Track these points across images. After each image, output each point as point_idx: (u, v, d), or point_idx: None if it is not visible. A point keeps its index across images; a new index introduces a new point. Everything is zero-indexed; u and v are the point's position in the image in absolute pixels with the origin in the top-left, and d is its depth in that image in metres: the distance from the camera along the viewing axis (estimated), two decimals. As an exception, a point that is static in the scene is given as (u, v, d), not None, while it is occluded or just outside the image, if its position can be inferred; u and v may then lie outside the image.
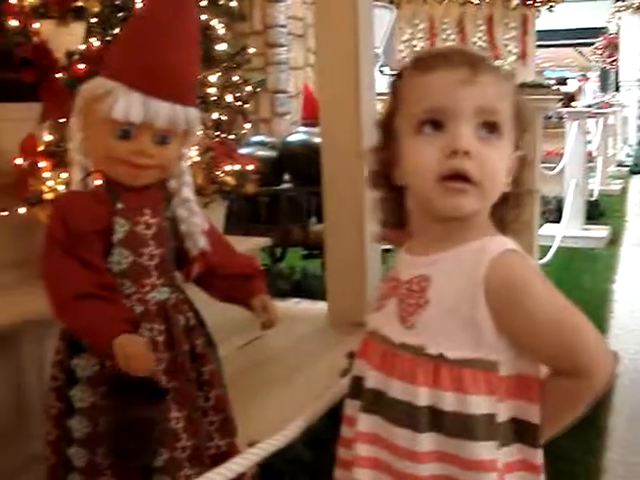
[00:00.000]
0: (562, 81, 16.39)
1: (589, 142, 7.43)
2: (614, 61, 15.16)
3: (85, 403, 1.54)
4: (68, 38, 2.45)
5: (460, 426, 1.01)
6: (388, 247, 4.37)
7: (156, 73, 1.46)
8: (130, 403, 1.39)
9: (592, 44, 15.94)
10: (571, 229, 5.58)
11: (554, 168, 5.73)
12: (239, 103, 3.07)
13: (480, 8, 10.43)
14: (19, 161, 2.22)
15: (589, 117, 6.89)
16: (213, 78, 2.84)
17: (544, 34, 12.41)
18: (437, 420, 1.02)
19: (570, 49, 18.83)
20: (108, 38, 2.49)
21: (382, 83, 4.69)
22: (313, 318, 3.40)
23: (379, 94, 3.43)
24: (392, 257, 4.49)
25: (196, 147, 2.34)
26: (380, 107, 3.44)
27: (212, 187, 2.69)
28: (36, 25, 2.39)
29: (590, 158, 7.45)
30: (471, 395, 1.01)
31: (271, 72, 6.91)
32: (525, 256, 1.05)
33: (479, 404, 1.01)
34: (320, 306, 3.49)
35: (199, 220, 1.62)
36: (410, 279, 1.09)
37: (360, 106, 3.14)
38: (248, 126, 3.31)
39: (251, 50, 3.31)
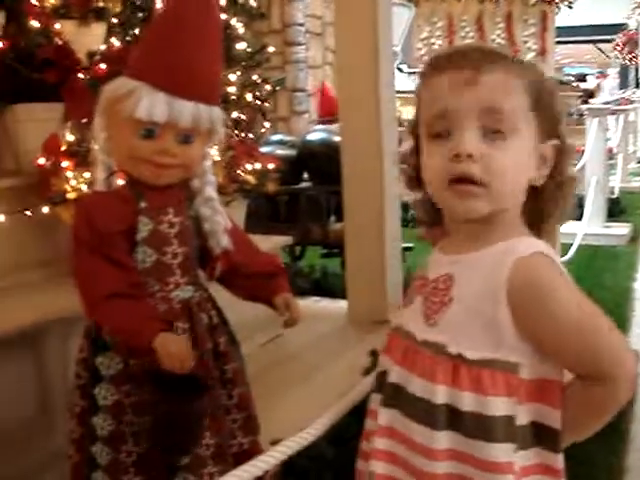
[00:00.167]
0: (581, 78, 16.30)
1: (609, 139, 7.37)
2: (634, 57, 15.03)
3: (109, 401, 1.55)
4: (89, 38, 2.47)
5: (477, 426, 1.00)
6: (408, 245, 4.38)
7: (180, 72, 1.47)
8: (175, 399, 1.41)
9: (612, 40, 15.80)
10: (592, 227, 5.53)
11: (575, 165, 5.68)
12: (259, 102, 3.08)
13: (499, 5, 10.36)
14: (42, 161, 2.25)
15: (610, 114, 6.82)
16: (233, 77, 2.85)
17: (563, 30, 12.32)
18: (454, 419, 1.02)
19: (589, 45, 18.69)
20: (129, 38, 2.51)
21: (401, 81, 4.68)
22: (333, 316, 3.40)
23: (398, 92, 3.43)
24: (410, 256, 4.49)
25: (217, 146, 2.35)
26: (399, 105, 3.44)
27: (233, 186, 2.70)
28: (57, 26, 2.41)
29: (611, 155, 7.39)
30: (489, 396, 1.00)
31: (289, 71, 6.92)
32: (552, 258, 1.02)
33: (497, 406, 1.00)
34: (340, 304, 3.50)
35: (222, 219, 1.62)
36: (436, 277, 1.10)
37: (380, 104, 3.14)
38: (267, 125, 3.32)
39: (270, 49, 3.32)
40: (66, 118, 2.34)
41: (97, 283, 1.47)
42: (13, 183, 2.33)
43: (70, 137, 2.26)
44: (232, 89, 2.83)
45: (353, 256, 3.36)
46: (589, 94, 13.59)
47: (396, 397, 1.09)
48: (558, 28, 11.00)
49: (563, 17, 11.16)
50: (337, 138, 3.69)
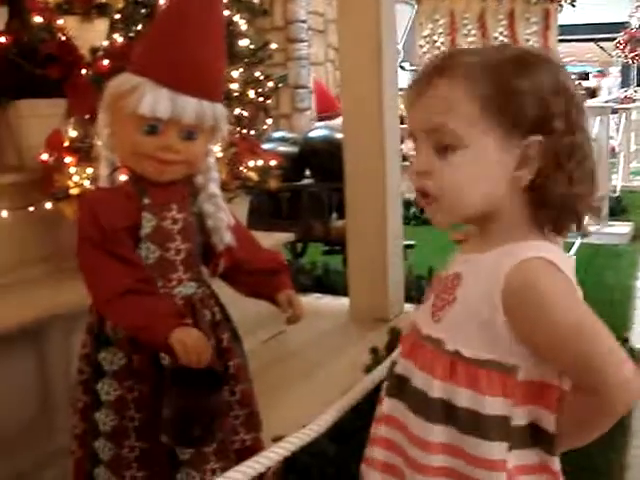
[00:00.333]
0: (584, 76, 16.29)
1: (612, 137, 7.37)
2: (636, 56, 15.02)
3: (111, 396, 1.55)
4: (92, 34, 2.46)
5: (472, 423, 1.01)
6: (409, 243, 4.38)
7: (183, 68, 1.47)
8: (193, 393, 1.42)
9: (614, 39, 15.79)
10: (594, 225, 5.54)
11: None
12: (261, 99, 3.07)
13: (501, 3, 10.37)
14: (45, 157, 2.25)
15: (612, 112, 6.82)
16: (235, 74, 2.84)
17: (565, 29, 12.32)
18: (450, 414, 1.03)
19: (592, 44, 18.68)
20: (131, 34, 2.51)
21: (403, 79, 4.68)
22: (335, 313, 3.41)
23: (400, 90, 3.42)
24: (412, 253, 4.49)
25: (220, 143, 2.35)
26: (401, 103, 3.44)
27: (235, 182, 2.70)
28: (60, 21, 2.41)
29: (612, 154, 7.38)
30: (485, 395, 1.01)
31: (292, 67, 6.91)
32: (555, 264, 0.99)
33: (492, 405, 1.00)
34: (342, 302, 3.51)
35: (225, 215, 1.63)
36: (448, 275, 1.10)
37: (383, 102, 3.14)
38: (269, 122, 3.32)
39: (273, 46, 3.32)
40: (69, 114, 2.34)
41: (108, 280, 1.47)
42: (16, 179, 2.33)
43: (73, 133, 2.26)
44: (234, 86, 2.82)
45: (355, 253, 3.36)
46: (591, 92, 13.60)
47: (399, 388, 1.11)
48: (560, 26, 11.01)
49: (565, 15, 11.16)
50: (339, 135, 3.69)
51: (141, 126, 1.48)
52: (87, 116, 2.23)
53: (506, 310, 0.99)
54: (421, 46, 10.86)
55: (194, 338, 1.44)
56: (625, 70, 16.78)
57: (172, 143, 1.50)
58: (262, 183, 2.86)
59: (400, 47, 7.32)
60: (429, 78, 1.03)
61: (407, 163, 5.05)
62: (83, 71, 2.34)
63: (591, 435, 1.04)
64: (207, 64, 1.52)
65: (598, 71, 17.07)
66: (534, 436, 1.03)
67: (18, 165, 2.42)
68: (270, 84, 3.12)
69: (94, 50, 2.39)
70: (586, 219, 1.06)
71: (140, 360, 1.53)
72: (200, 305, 1.60)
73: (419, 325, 1.12)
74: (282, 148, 4.40)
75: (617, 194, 7.02)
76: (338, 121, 5.22)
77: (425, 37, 10.80)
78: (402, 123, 3.53)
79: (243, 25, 2.97)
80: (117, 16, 2.50)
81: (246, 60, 2.97)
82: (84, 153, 2.20)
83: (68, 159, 2.21)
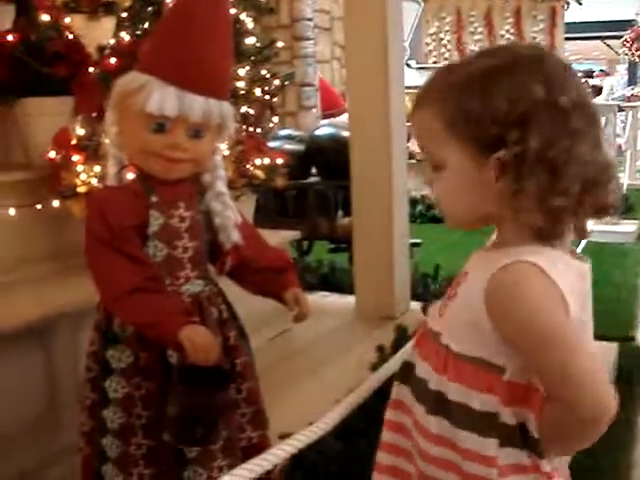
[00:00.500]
0: (590, 74, 16.24)
1: (618, 135, 7.36)
2: (643, 54, 14.94)
3: (119, 394, 1.56)
4: (99, 32, 2.47)
5: (463, 417, 1.03)
6: (416, 241, 4.38)
7: (190, 67, 1.47)
8: (200, 391, 1.43)
9: (621, 36, 15.73)
10: (600, 224, 5.50)
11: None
12: (267, 97, 3.07)
13: (508, 1, 10.35)
14: (52, 155, 2.25)
15: (619, 110, 6.81)
16: (242, 72, 2.84)
17: (572, 26, 12.29)
18: (443, 406, 1.05)
19: (598, 41, 18.61)
20: (138, 32, 2.51)
21: (409, 77, 4.68)
22: (341, 312, 3.41)
23: (406, 88, 3.42)
24: (419, 252, 4.49)
25: (226, 141, 2.36)
26: (407, 101, 3.44)
27: (242, 180, 2.70)
28: (67, 20, 2.42)
29: (619, 152, 7.37)
30: (473, 391, 1.02)
31: (298, 65, 6.90)
32: (542, 269, 0.97)
33: (481, 401, 1.02)
34: (348, 300, 3.50)
35: (232, 214, 1.63)
36: (461, 272, 1.12)
37: (389, 100, 3.14)
38: (276, 119, 3.32)
39: (279, 44, 3.32)
40: (76, 112, 2.35)
41: (116, 278, 1.47)
42: (23, 177, 2.34)
43: (80, 131, 2.26)
44: (241, 84, 2.82)
45: (361, 252, 3.36)
46: (597, 90, 13.55)
47: (407, 375, 1.15)
48: (567, 24, 10.99)
49: (572, 13, 11.13)
50: (345, 133, 3.69)
51: (149, 124, 1.49)
52: (94, 114, 2.24)
53: (487, 309, 1.00)
54: (427, 44, 10.85)
55: (203, 336, 1.44)
56: (632, 68, 16.71)
57: (179, 141, 1.50)
58: (268, 181, 2.86)
59: (406, 45, 7.31)
60: (419, 98, 1.08)
61: (413, 161, 5.05)
62: (90, 69, 2.35)
63: (569, 446, 1.04)
64: (214, 62, 1.52)
65: (601, 70, 17.00)
66: (524, 437, 1.03)
67: (25, 163, 2.43)
68: (276, 82, 3.12)
69: (101, 48, 2.39)
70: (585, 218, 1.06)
71: (147, 358, 1.54)
72: (207, 303, 1.61)
73: (429, 318, 1.15)
74: (288, 146, 4.40)
75: (623, 192, 7.00)
76: (343, 118, 5.22)
77: (431, 35, 10.79)
78: (408, 121, 3.54)
79: (249, 23, 2.97)
80: (124, 14, 2.51)
81: (252, 58, 2.97)
82: (91, 151, 2.20)
83: (75, 157, 2.22)
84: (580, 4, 10.61)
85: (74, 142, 2.25)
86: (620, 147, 7.66)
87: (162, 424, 1.49)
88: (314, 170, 4.71)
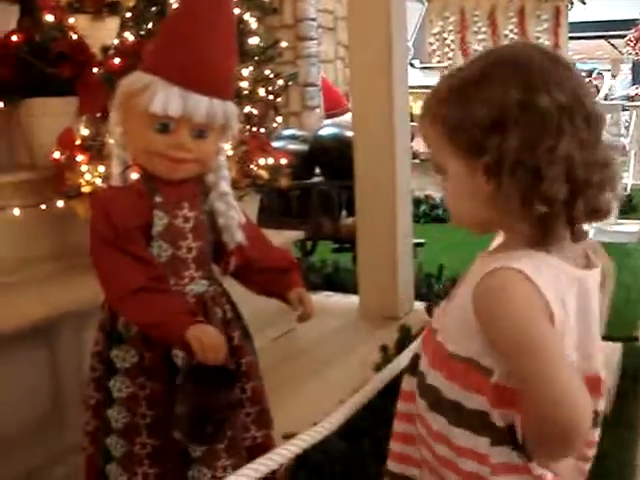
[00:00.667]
0: (591, 74, 16.19)
1: (622, 135, 7.35)
2: (647, 53, 14.92)
3: (124, 393, 1.56)
4: (103, 33, 2.48)
5: (456, 415, 1.04)
6: (419, 241, 4.38)
7: (194, 67, 1.47)
8: (207, 390, 1.43)
9: (624, 36, 15.71)
10: (604, 224, 5.51)
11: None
12: (271, 97, 3.07)
13: (512, 0, 10.34)
14: (57, 155, 2.26)
15: (623, 110, 6.80)
16: (245, 72, 2.85)
17: (576, 26, 12.28)
18: (439, 403, 1.07)
19: (602, 41, 18.58)
20: (142, 32, 2.52)
21: (413, 77, 4.67)
22: (344, 311, 3.41)
23: (410, 87, 3.42)
24: (422, 252, 4.48)
25: (230, 141, 2.36)
26: (411, 100, 3.44)
27: (246, 181, 2.70)
28: (71, 20, 2.42)
29: (623, 152, 7.36)
30: (464, 390, 1.04)
31: (301, 65, 6.90)
32: (522, 273, 0.96)
33: (472, 400, 1.03)
34: (351, 300, 3.51)
35: (236, 214, 1.63)
36: (464, 275, 1.12)
37: (393, 100, 3.14)
38: (279, 119, 3.32)
39: (283, 44, 3.32)
40: (80, 112, 2.35)
41: (121, 278, 1.48)
42: (28, 177, 2.34)
43: (85, 131, 2.27)
44: (244, 84, 2.83)
45: (365, 252, 3.36)
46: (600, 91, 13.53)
47: (414, 368, 1.17)
48: (571, 23, 10.98)
49: (576, 12, 11.12)
50: (349, 133, 3.68)
51: (153, 124, 1.49)
52: (98, 114, 2.24)
53: (475, 312, 1.00)
54: (431, 44, 10.85)
55: (211, 335, 1.44)
56: (636, 67, 16.68)
57: (183, 141, 1.50)
58: (272, 181, 2.86)
59: (410, 45, 7.31)
60: (424, 103, 1.09)
61: (417, 161, 5.05)
62: (94, 69, 2.36)
63: (550, 453, 1.02)
64: (218, 63, 1.52)
65: (598, 73, 16.94)
66: (513, 438, 1.03)
67: (30, 163, 2.44)
68: (280, 82, 3.12)
69: (105, 48, 2.40)
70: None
71: (152, 357, 1.54)
72: (211, 303, 1.61)
73: (434, 318, 1.17)
74: (292, 146, 4.40)
75: (628, 192, 7.00)
76: (345, 118, 5.22)
77: (435, 35, 10.79)
78: (412, 121, 3.54)
79: (253, 23, 2.97)
80: (128, 14, 2.52)
81: (256, 58, 2.97)
82: (96, 151, 2.21)
83: (80, 157, 2.22)
84: (584, 3, 10.61)
85: (78, 142, 2.26)
86: (624, 147, 7.64)
87: (167, 424, 1.50)
88: (318, 170, 4.71)
